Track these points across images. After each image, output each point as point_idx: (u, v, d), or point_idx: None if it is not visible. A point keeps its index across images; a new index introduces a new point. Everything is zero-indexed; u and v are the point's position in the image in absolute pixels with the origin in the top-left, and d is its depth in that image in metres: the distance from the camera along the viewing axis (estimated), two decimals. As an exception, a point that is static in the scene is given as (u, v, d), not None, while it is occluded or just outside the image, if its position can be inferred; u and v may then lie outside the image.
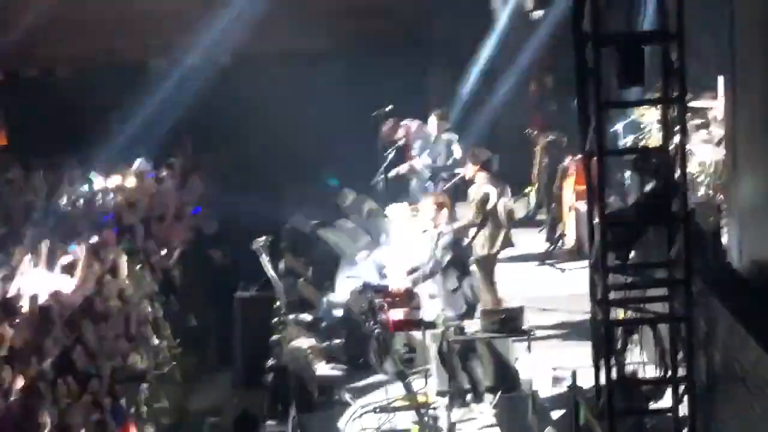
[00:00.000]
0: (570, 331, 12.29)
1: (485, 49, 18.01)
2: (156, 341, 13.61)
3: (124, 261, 13.92)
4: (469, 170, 12.68)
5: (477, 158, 12.63)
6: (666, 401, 8.93)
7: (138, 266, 14.31)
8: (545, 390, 10.96)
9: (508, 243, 12.55)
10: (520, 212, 16.08)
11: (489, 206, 12.30)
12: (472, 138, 16.42)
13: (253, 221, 14.83)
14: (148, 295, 13.92)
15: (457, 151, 15.09)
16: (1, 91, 21.16)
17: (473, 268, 12.09)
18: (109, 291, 13.18)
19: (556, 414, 10.48)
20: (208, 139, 19.52)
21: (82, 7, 19.11)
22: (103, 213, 16.55)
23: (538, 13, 16.92)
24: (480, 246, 12.26)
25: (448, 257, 11.13)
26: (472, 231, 12.27)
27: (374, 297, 11.82)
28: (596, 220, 8.53)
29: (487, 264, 12.29)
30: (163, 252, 15.18)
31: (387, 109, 15.62)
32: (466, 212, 12.54)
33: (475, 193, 12.46)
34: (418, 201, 15.68)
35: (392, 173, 15.36)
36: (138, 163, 18.43)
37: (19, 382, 10.49)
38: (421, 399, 10.95)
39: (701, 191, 12.06)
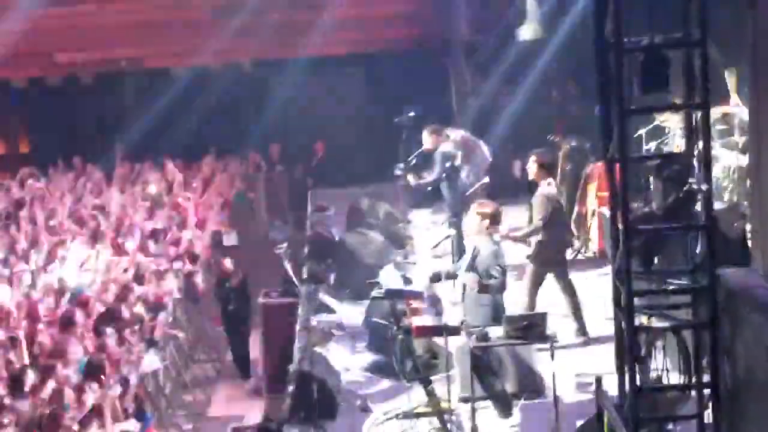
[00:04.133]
0: (593, 337, 12.26)
1: (509, 54, 18.00)
2: (179, 347, 13.68)
3: (148, 267, 13.98)
4: (532, 172, 12.61)
5: (543, 160, 12.57)
6: (691, 408, 8.90)
7: (161, 272, 14.36)
8: (569, 396, 10.93)
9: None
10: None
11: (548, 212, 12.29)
12: (494, 143, 16.42)
13: (276, 227, 14.87)
14: (171, 302, 13.96)
15: (458, 161, 15.08)
16: (24, 98, 21.32)
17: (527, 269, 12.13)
18: (133, 297, 13.23)
19: (579, 421, 10.45)
20: (231, 145, 19.58)
21: (104, 15, 19.21)
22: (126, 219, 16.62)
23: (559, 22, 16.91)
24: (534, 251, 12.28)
25: (493, 271, 10.90)
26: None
27: (396, 303, 11.80)
28: (620, 226, 8.51)
29: (536, 272, 12.31)
30: (186, 258, 15.23)
31: (410, 114, 15.59)
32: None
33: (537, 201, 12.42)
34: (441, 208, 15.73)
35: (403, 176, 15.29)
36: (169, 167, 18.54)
37: (46, 388, 10.54)
38: (443, 405, 10.93)
39: (725, 197, 12.01)
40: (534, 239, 12.31)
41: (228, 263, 14.60)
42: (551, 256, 12.32)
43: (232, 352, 14.43)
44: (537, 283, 12.30)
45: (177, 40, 19.23)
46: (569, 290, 12.44)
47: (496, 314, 10.84)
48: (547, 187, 12.41)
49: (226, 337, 14.51)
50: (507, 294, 11.41)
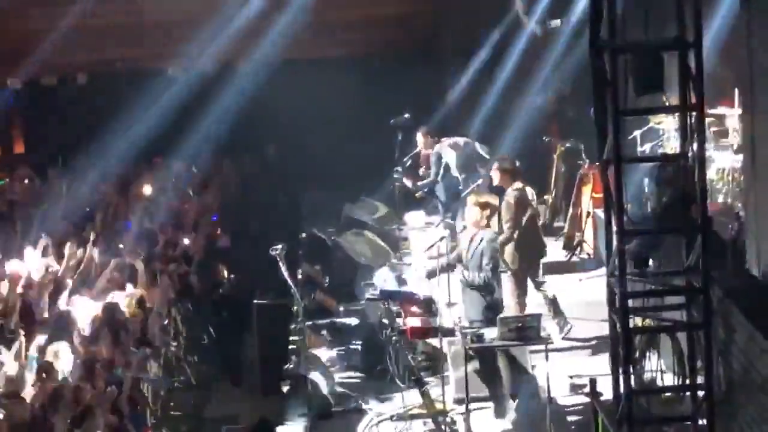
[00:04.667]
0: (588, 338, 12.28)
1: (502, 57, 18.00)
2: (173, 348, 13.65)
3: (142, 268, 13.95)
4: (496, 178, 12.63)
5: (505, 166, 12.56)
6: (685, 409, 8.91)
7: (155, 273, 14.33)
8: (563, 398, 10.94)
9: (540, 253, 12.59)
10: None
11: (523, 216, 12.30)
12: (489, 145, 16.41)
13: (270, 228, 14.85)
14: (166, 303, 13.94)
15: (452, 166, 15.02)
16: (20, 98, 21.27)
17: (505, 278, 12.16)
18: (128, 298, 13.21)
19: (574, 422, 10.46)
20: (225, 146, 19.55)
21: (100, 15, 19.18)
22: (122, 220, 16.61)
23: (556, 22, 16.90)
24: (510, 258, 12.29)
25: (487, 263, 10.88)
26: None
27: (391, 304, 11.81)
28: (614, 228, 8.52)
29: (517, 276, 12.32)
30: (181, 260, 15.19)
31: (405, 116, 15.58)
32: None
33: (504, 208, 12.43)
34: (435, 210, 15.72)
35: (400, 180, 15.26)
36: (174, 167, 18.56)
37: (41, 389, 10.52)
38: (438, 406, 10.94)
39: (720, 198, 12.02)
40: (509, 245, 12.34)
41: (222, 270, 14.55)
42: (525, 258, 12.36)
43: (224, 359, 14.35)
44: (522, 286, 12.34)
45: (173, 41, 19.20)
46: (540, 285, 12.50)
47: (494, 309, 10.83)
48: (513, 193, 12.40)
49: (218, 343, 14.40)
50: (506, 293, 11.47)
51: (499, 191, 12.59)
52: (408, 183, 15.29)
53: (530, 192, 12.62)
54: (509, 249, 12.24)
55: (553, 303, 12.50)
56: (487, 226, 11.22)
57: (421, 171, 15.57)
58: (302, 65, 19.84)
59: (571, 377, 11.21)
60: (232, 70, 20.13)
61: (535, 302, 12.40)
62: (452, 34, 19.21)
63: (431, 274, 11.61)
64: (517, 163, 12.76)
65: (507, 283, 12.24)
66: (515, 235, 12.26)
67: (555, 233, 15.72)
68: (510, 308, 11.88)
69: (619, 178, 8.45)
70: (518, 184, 12.45)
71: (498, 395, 10.90)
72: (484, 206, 11.16)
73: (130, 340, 12.32)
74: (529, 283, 12.46)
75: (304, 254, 15.11)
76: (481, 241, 11.00)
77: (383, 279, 12.98)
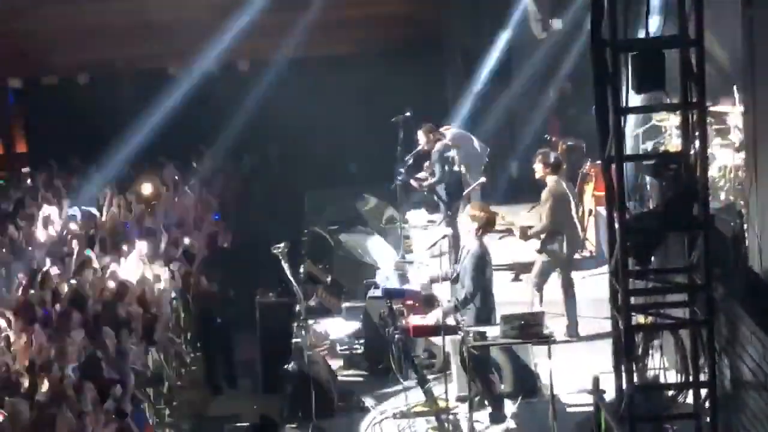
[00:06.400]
0: (590, 336, 12.28)
1: (504, 55, 18.01)
2: (176, 346, 13.68)
3: (145, 267, 13.99)
4: (539, 170, 12.65)
5: (547, 159, 12.61)
6: (687, 407, 8.92)
7: (158, 272, 14.36)
8: (566, 395, 10.94)
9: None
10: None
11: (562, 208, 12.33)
12: (491, 144, 16.43)
13: (272, 226, 14.87)
14: (168, 301, 13.97)
15: (455, 162, 14.98)
16: (21, 98, 21.36)
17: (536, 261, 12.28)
18: (129, 297, 13.23)
19: (576, 419, 10.46)
20: (228, 145, 19.59)
21: (101, 15, 19.21)
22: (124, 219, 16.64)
23: (557, 23, 16.90)
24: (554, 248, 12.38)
25: (481, 271, 10.80)
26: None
27: (394, 302, 11.80)
28: (616, 226, 8.52)
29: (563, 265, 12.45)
30: (183, 259, 15.22)
31: (406, 114, 15.57)
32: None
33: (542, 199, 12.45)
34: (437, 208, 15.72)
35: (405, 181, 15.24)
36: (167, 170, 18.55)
37: (43, 388, 10.55)
38: (441, 405, 10.94)
39: (722, 196, 12.02)
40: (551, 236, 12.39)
41: (204, 283, 14.46)
42: (558, 251, 12.36)
43: (226, 357, 14.30)
44: (544, 276, 12.35)
45: (173, 41, 19.22)
46: (568, 286, 12.47)
47: (480, 315, 10.74)
48: (553, 185, 12.43)
49: (221, 342, 14.34)
50: (505, 292, 11.42)
51: (540, 185, 12.64)
52: (414, 183, 15.24)
53: (570, 186, 12.69)
54: (553, 240, 12.31)
55: (570, 307, 12.47)
56: (479, 236, 11.03)
57: (425, 167, 15.54)
58: (304, 64, 19.87)
59: (574, 375, 11.20)
60: (234, 70, 20.18)
61: (545, 300, 12.41)
62: (455, 32, 19.23)
63: (434, 280, 11.60)
64: (558, 158, 12.79)
65: (532, 268, 12.43)
66: (551, 225, 12.28)
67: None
68: (526, 294, 11.88)
69: (620, 176, 8.45)
70: (556, 177, 12.48)
71: (498, 394, 10.90)
72: (474, 218, 10.95)
73: (133, 338, 12.35)
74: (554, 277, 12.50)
75: (306, 253, 15.12)
76: (467, 254, 10.88)
77: (386, 277, 12.99)
